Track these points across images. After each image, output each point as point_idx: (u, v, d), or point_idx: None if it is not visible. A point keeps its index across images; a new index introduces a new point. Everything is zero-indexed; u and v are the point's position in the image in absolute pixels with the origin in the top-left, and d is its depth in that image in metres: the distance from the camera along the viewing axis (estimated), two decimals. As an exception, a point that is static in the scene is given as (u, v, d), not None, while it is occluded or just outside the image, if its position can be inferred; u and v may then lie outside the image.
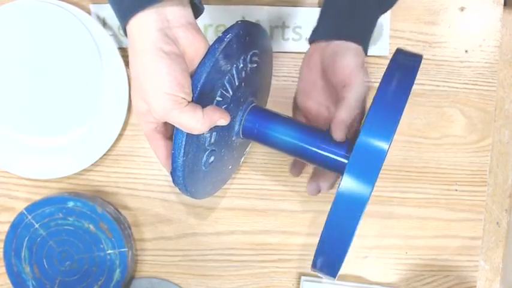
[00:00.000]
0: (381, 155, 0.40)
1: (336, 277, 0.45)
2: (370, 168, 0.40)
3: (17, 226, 0.63)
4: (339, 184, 0.40)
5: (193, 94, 0.42)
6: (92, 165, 0.64)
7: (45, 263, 0.63)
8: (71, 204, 0.62)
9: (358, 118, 0.53)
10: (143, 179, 0.66)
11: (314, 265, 0.44)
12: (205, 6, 0.63)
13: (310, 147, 0.49)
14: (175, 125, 0.42)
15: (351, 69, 0.50)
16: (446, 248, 0.67)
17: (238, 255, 0.67)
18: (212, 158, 0.49)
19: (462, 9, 0.66)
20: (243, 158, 0.63)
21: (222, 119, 0.44)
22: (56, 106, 0.63)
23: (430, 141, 0.66)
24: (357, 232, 0.66)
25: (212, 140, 0.47)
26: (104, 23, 0.64)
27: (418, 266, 0.67)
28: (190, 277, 0.67)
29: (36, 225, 0.62)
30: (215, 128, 0.47)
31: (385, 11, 0.56)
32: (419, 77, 0.66)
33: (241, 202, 0.66)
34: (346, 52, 0.51)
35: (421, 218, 0.67)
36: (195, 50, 0.43)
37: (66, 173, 0.64)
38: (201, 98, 0.43)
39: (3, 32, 0.62)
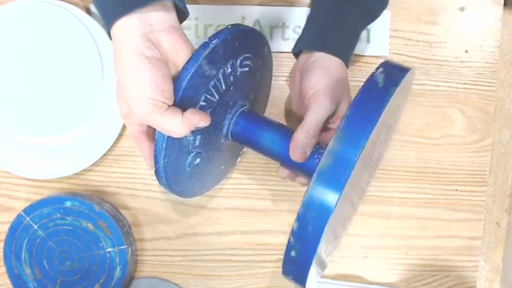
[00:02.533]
0: (348, 168, 0.39)
1: (306, 287, 0.44)
2: (336, 178, 0.39)
3: (16, 228, 0.63)
4: (306, 191, 0.40)
5: (175, 99, 0.42)
6: (92, 165, 0.64)
7: (45, 264, 0.63)
8: (68, 203, 0.62)
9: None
10: (143, 179, 0.66)
11: (283, 272, 0.44)
12: (205, 6, 0.64)
13: (289, 155, 0.49)
14: (156, 128, 0.43)
15: (315, 91, 0.51)
16: (446, 248, 0.67)
17: (238, 255, 0.67)
18: (198, 160, 0.50)
19: (462, 9, 0.66)
20: (239, 158, 0.63)
21: (202, 121, 0.44)
22: (56, 106, 0.63)
23: (430, 141, 0.66)
24: (357, 232, 0.66)
25: (197, 143, 0.48)
26: (104, 23, 0.64)
27: (418, 266, 0.67)
28: (190, 277, 0.67)
29: (35, 226, 0.62)
30: (200, 132, 0.47)
31: (368, 23, 0.58)
32: (420, 77, 0.66)
33: (241, 202, 0.66)
34: (317, 71, 0.52)
35: (421, 218, 0.67)
36: (177, 53, 0.43)
37: (66, 173, 0.64)
38: (183, 102, 0.43)
39: (3, 32, 0.62)
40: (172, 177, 0.47)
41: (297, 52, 0.58)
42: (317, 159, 0.49)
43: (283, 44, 0.65)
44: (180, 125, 0.42)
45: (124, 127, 0.65)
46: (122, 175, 0.66)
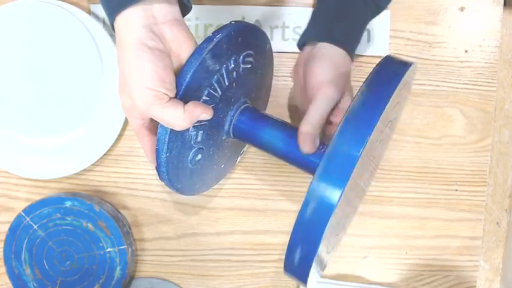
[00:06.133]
0: (350, 164, 0.39)
1: (307, 284, 0.44)
2: (339, 176, 0.39)
3: (16, 228, 0.63)
4: (308, 187, 0.40)
5: (178, 92, 0.43)
6: (92, 165, 0.64)
7: (45, 264, 0.63)
8: (68, 204, 0.62)
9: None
10: (143, 179, 0.66)
11: (285, 269, 0.44)
12: (205, 6, 0.64)
13: (293, 152, 0.49)
14: (158, 121, 0.43)
15: (319, 81, 0.51)
16: (446, 248, 0.67)
17: (238, 255, 0.67)
18: (199, 156, 0.50)
19: (462, 9, 0.66)
20: (239, 158, 0.63)
21: (204, 114, 0.43)
22: (56, 106, 0.63)
23: (430, 141, 0.66)
24: (357, 232, 0.66)
25: (199, 138, 0.48)
26: (104, 23, 0.64)
27: (418, 266, 0.67)
28: (190, 277, 0.67)
29: (35, 227, 0.62)
30: (202, 127, 0.47)
31: (374, 16, 0.57)
32: (419, 77, 0.66)
33: (241, 202, 0.66)
34: (322, 61, 0.52)
35: (421, 218, 0.67)
36: (180, 46, 0.43)
37: (66, 173, 0.64)
38: (187, 96, 0.43)
39: (3, 32, 0.62)
40: (173, 173, 0.47)
41: (301, 45, 0.57)
42: (319, 154, 0.48)
43: (283, 44, 0.65)
44: (181, 117, 0.42)
45: (124, 127, 0.65)
46: (122, 175, 0.66)
